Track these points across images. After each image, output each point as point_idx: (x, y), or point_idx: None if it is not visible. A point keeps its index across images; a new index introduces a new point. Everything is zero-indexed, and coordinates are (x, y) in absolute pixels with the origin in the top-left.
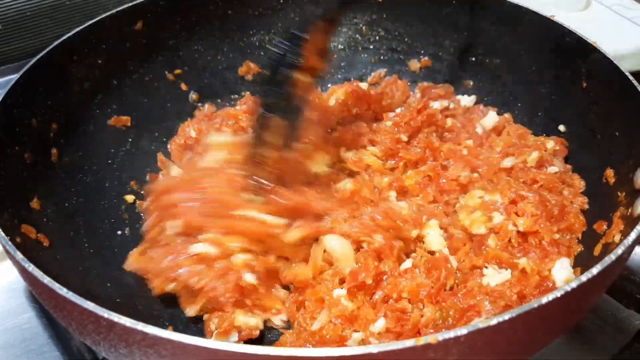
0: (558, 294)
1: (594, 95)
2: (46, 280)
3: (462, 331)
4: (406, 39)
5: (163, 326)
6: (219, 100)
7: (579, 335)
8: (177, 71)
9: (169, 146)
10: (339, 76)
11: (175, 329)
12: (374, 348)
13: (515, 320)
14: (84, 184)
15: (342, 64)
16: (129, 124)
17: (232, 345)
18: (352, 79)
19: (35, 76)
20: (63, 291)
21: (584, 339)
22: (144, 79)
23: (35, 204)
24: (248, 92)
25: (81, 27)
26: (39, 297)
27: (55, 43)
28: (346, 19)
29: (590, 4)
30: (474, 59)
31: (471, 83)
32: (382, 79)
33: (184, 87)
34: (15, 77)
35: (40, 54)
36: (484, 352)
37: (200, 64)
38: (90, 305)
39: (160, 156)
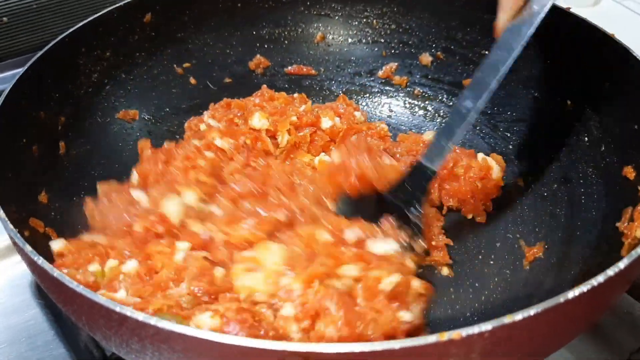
0: (585, 288)
1: (611, 89)
2: (56, 273)
3: (487, 327)
4: (417, 32)
5: None
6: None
7: (595, 334)
8: (186, 64)
9: (186, 124)
10: (349, 70)
11: None
12: (395, 344)
13: (541, 315)
14: (91, 177)
15: (352, 58)
16: (137, 117)
17: (249, 341)
18: (362, 73)
19: (42, 69)
20: (73, 284)
21: (600, 337)
22: (153, 72)
23: (43, 197)
24: (265, 85)
25: (89, 19)
26: (47, 291)
27: (63, 35)
28: (356, 11)
29: (600, 0)
30: (485, 52)
31: None
32: (393, 73)
33: (192, 80)
34: (22, 70)
35: (48, 46)
36: (507, 348)
37: (210, 57)
38: (101, 299)
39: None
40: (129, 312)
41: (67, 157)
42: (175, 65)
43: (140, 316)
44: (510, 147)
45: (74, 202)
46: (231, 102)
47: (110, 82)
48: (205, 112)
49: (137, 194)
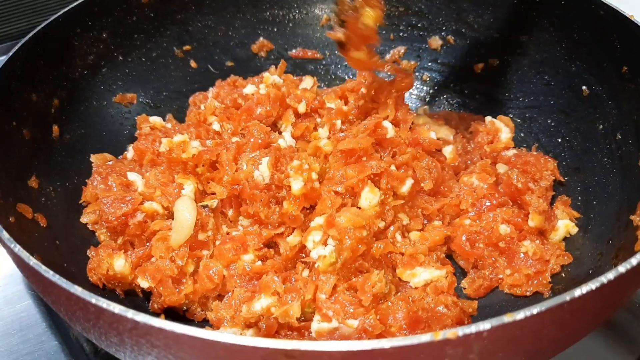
0: (593, 286)
1: (631, 75)
2: (32, 262)
3: (485, 326)
4: (427, 15)
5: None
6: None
7: (608, 330)
8: (186, 47)
9: (190, 99)
10: None
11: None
12: (386, 343)
13: (545, 314)
14: (86, 163)
15: None
16: (134, 101)
17: (231, 337)
18: None
19: (35, 49)
20: (49, 274)
21: (613, 333)
22: (151, 55)
23: (33, 182)
24: (268, 71)
25: None
26: (27, 279)
27: (57, 15)
28: None
29: None
30: (498, 35)
31: (497, 62)
32: (401, 57)
33: (193, 64)
34: (13, 50)
35: (41, 26)
36: (509, 349)
37: (211, 40)
38: (77, 290)
39: None
40: (104, 304)
41: (60, 141)
42: (175, 48)
43: (116, 309)
44: (522, 135)
45: (67, 188)
46: (237, 80)
47: (107, 64)
48: (210, 89)
49: (133, 177)
